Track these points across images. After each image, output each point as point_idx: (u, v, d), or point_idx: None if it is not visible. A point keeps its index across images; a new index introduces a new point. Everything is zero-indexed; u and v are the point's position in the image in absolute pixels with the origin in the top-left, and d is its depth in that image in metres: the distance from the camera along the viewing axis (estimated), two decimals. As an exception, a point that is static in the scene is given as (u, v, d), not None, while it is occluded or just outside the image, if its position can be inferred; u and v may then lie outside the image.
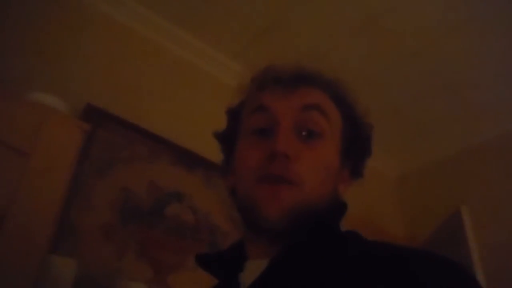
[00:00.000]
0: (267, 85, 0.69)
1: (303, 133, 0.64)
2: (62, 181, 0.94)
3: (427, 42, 1.89)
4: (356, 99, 0.72)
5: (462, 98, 2.13)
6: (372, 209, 2.26)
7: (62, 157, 0.95)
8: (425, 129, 2.35)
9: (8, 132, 0.89)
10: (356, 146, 0.70)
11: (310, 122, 0.64)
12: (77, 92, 1.57)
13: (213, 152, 1.87)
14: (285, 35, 1.89)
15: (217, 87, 1.99)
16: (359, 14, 1.80)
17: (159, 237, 1.57)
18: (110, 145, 1.57)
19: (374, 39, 1.89)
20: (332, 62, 1.86)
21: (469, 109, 2.19)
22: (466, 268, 0.53)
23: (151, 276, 1.50)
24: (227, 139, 0.73)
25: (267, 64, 0.72)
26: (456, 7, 1.73)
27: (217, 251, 0.70)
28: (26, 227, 0.85)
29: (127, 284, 1.36)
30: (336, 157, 0.66)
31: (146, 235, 1.54)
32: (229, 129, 0.73)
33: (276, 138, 0.61)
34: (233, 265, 0.65)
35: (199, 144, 1.75)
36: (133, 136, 1.63)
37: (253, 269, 0.60)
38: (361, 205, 1.88)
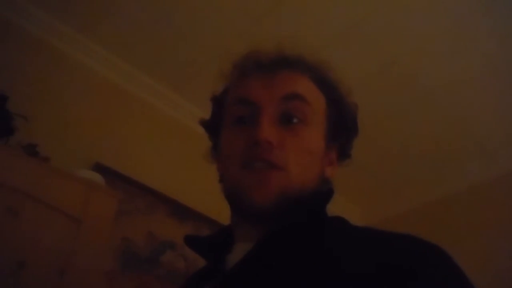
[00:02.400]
0: (249, 72, 0.69)
1: (286, 121, 0.64)
2: (106, 239, 1.19)
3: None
4: (339, 80, 0.72)
5: (426, 153, 2.28)
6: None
7: (104, 221, 1.19)
8: (391, 181, 2.47)
9: (63, 202, 1.12)
10: (341, 127, 0.70)
11: (292, 110, 0.65)
12: (86, 152, 1.80)
13: (202, 205, 2.10)
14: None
15: (207, 145, 2.23)
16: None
17: (154, 283, 1.77)
18: (114, 199, 1.78)
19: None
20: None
21: (435, 163, 2.33)
22: (447, 251, 0.52)
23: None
24: (213, 127, 0.74)
25: (249, 50, 0.72)
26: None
27: (207, 234, 0.73)
28: (83, 278, 1.08)
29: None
30: (321, 140, 0.67)
31: (143, 280, 1.74)
32: (214, 117, 0.74)
33: (258, 127, 0.61)
34: (221, 248, 0.66)
35: (190, 198, 1.99)
36: (134, 191, 1.85)
37: (239, 251, 0.61)
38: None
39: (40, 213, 1.11)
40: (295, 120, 0.64)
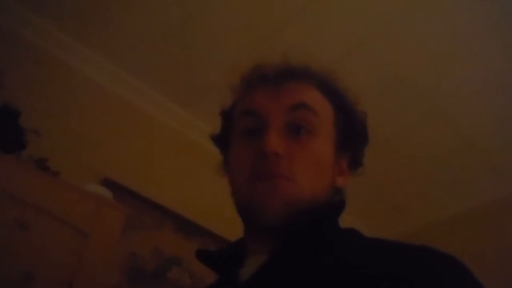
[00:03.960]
0: (255, 84, 0.70)
1: (293, 131, 0.64)
2: (113, 254, 1.20)
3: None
4: (346, 88, 0.72)
5: (435, 171, 2.30)
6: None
7: (112, 235, 1.21)
8: (398, 198, 2.49)
9: (72, 216, 1.14)
10: (351, 135, 0.70)
11: (299, 121, 0.64)
12: (95, 167, 1.82)
13: (209, 222, 2.09)
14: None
15: (216, 162, 2.24)
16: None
17: (160, 298, 1.77)
18: (122, 214, 1.79)
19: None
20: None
21: (438, 184, 2.35)
22: (463, 262, 0.52)
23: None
24: (223, 141, 0.74)
25: (255, 63, 0.73)
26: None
27: (219, 248, 0.71)
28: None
29: None
30: (330, 150, 0.66)
31: (149, 296, 1.74)
32: (223, 131, 0.75)
33: (265, 138, 0.61)
34: (234, 262, 0.65)
35: (198, 214, 1.99)
36: (141, 206, 1.86)
37: (252, 264, 0.60)
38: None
39: (49, 227, 1.13)
40: (302, 130, 0.64)
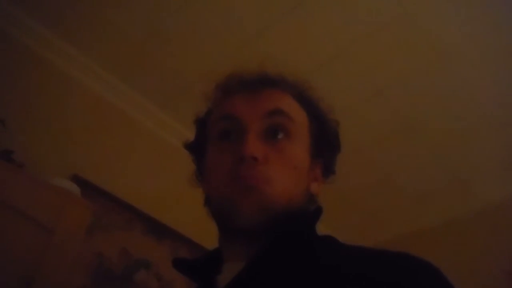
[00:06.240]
0: (232, 90, 0.70)
1: (271, 136, 0.65)
2: (78, 252, 1.14)
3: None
4: (320, 98, 0.74)
5: (408, 184, 2.32)
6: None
7: (77, 232, 1.15)
8: (370, 210, 2.50)
9: (35, 210, 1.08)
10: (325, 143, 0.71)
11: (277, 126, 0.65)
12: (65, 163, 1.75)
13: (180, 225, 2.03)
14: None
15: (190, 164, 2.20)
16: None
17: (126, 302, 1.70)
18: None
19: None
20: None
21: (415, 195, 2.36)
22: (440, 269, 0.53)
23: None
24: (197, 148, 0.74)
25: (232, 70, 0.73)
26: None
27: (195, 257, 0.72)
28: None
29: None
30: (306, 156, 0.67)
31: (114, 299, 1.67)
32: (198, 138, 0.74)
33: (244, 142, 0.62)
34: (211, 269, 0.66)
35: (169, 217, 1.94)
36: (111, 205, 1.80)
37: (229, 271, 0.60)
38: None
39: (10, 220, 1.06)
40: (279, 135, 0.65)
